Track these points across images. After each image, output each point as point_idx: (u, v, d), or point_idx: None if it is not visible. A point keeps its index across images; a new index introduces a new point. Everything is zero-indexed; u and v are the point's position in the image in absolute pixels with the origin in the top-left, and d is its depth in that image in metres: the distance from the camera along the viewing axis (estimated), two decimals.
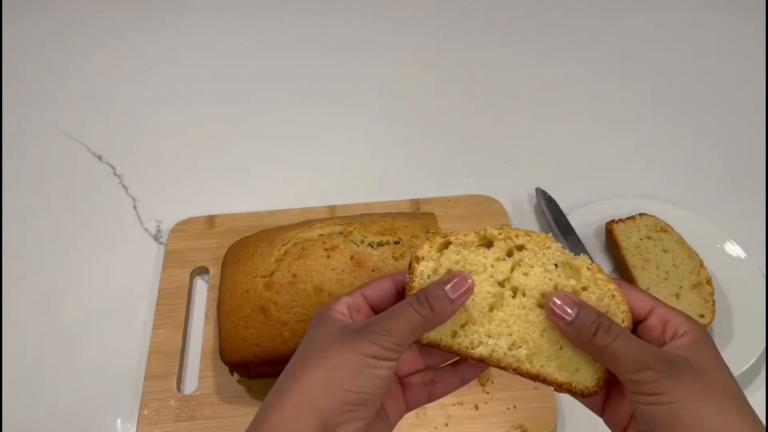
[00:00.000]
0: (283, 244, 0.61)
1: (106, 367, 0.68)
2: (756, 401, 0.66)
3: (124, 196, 0.85)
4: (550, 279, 0.42)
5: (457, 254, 0.42)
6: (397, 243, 0.60)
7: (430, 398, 0.45)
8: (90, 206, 0.84)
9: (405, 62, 1.06)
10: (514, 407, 0.63)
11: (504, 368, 0.42)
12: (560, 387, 0.41)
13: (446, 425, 0.62)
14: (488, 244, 0.43)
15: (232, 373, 0.64)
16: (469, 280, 0.41)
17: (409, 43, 1.09)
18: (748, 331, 0.67)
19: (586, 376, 0.41)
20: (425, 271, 0.42)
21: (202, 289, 0.75)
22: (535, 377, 0.42)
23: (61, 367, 0.68)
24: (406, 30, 1.12)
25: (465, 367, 0.45)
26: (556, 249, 0.43)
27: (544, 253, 0.43)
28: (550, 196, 0.81)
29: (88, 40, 1.09)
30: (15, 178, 0.87)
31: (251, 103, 0.99)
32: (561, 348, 0.41)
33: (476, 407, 0.63)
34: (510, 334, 0.42)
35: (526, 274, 0.42)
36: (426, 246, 0.43)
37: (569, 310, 0.39)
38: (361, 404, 0.37)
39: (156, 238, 0.80)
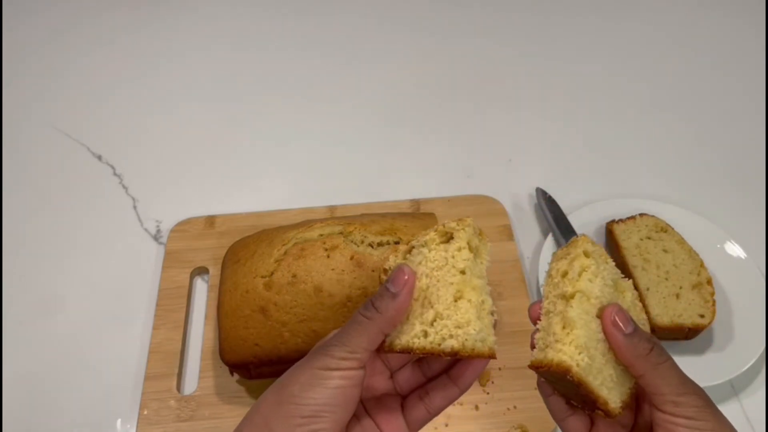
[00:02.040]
0: (283, 244, 0.61)
1: (106, 367, 0.68)
2: (756, 401, 0.66)
3: (124, 196, 0.85)
4: (608, 293, 0.42)
5: (419, 255, 0.43)
6: (397, 243, 0.60)
7: (430, 412, 0.44)
8: (90, 206, 0.84)
9: (405, 62, 1.06)
10: (514, 407, 0.63)
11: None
12: (599, 401, 0.39)
13: (446, 425, 0.62)
14: (449, 238, 0.43)
15: (232, 373, 0.64)
16: (406, 270, 0.41)
17: (409, 43, 1.09)
18: (748, 331, 0.67)
19: (616, 398, 0.40)
20: None
21: (201, 289, 0.74)
22: (579, 383, 0.39)
23: (61, 367, 0.68)
24: (406, 30, 1.12)
25: (459, 371, 0.44)
26: (612, 266, 0.43)
27: (604, 267, 0.43)
28: (550, 196, 0.81)
29: (88, 40, 1.09)
30: (15, 178, 0.87)
31: (251, 103, 0.99)
32: (606, 363, 0.40)
33: (476, 407, 0.63)
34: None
35: (591, 282, 0.42)
36: (391, 257, 0.44)
37: (629, 324, 0.39)
38: (314, 416, 0.38)
39: (156, 238, 0.80)
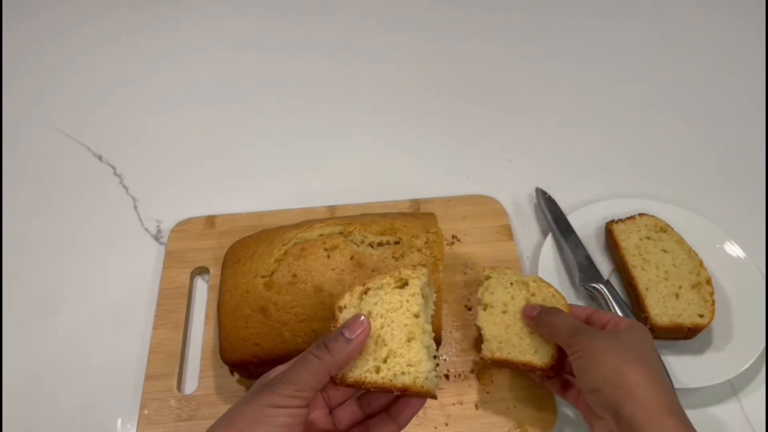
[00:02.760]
0: (283, 244, 0.61)
1: (106, 367, 0.68)
2: (756, 401, 0.66)
3: (124, 196, 0.85)
4: (508, 293, 0.61)
5: (375, 296, 0.48)
6: (397, 243, 0.60)
7: None
8: (90, 206, 0.84)
9: (405, 62, 1.06)
10: (515, 407, 0.63)
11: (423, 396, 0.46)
12: (524, 366, 0.57)
13: (446, 425, 0.62)
14: (404, 284, 0.49)
15: (232, 373, 0.64)
16: (363, 319, 0.45)
17: (409, 44, 1.09)
18: (748, 331, 0.67)
19: (543, 355, 0.57)
20: (347, 317, 0.47)
21: (202, 289, 0.75)
22: (504, 363, 0.58)
23: (61, 367, 0.68)
24: (405, 31, 1.12)
25: (399, 409, 0.47)
26: (511, 273, 0.62)
27: (502, 277, 0.62)
28: (550, 196, 0.81)
29: (88, 40, 1.10)
30: (15, 178, 0.88)
31: (251, 103, 0.99)
32: (521, 338, 0.58)
33: (476, 407, 0.63)
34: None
35: (492, 293, 0.61)
36: (347, 296, 0.49)
37: (533, 311, 0.57)
38: None
39: (156, 238, 0.80)
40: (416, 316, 0.47)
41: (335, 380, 0.45)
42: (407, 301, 0.48)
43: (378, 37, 1.10)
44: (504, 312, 0.60)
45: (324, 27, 1.12)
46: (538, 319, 0.56)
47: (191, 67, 1.05)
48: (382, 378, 0.45)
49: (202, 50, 1.08)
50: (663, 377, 0.48)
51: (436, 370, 0.47)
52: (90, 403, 0.66)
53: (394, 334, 0.47)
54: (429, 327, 0.48)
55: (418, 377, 0.45)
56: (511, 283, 0.61)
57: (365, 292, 0.49)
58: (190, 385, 0.66)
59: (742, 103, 0.98)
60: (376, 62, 1.06)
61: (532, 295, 0.60)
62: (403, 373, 0.45)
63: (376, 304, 0.48)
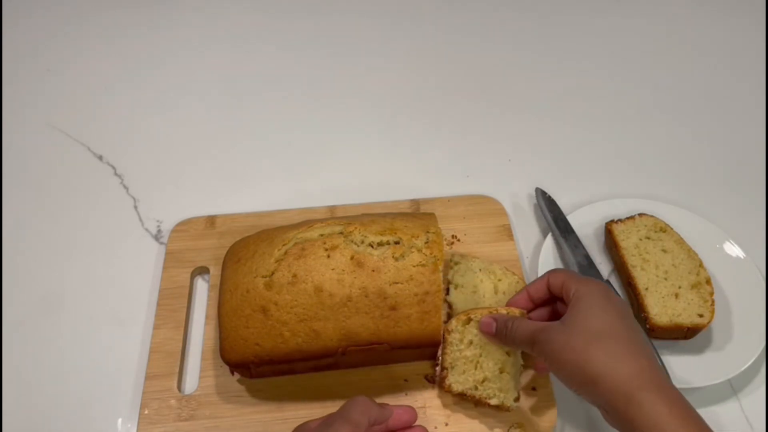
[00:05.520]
0: (284, 244, 0.61)
1: (106, 367, 0.68)
2: (756, 401, 0.66)
3: (124, 197, 0.85)
4: (477, 276, 0.70)
5: (476, 328, 0.60)
6: (397, 243, 0.60)
7: None
8: (90, 206, 0.84)
9: (405, 63, 1.06)
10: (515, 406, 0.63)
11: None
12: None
13: (446, 424, 0.62)
14: None
15: (232, 372, 0.64)
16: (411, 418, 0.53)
17: (408, 44, 1.09)
18: (748, 330, 0.67)
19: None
20: (453, 341, 0.60)
21: (202, 289, 0.75)
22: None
23: (61, 367, 0.68)
24: (406, 30, 1.12)
25: None
26: (479, 261, 0.71)
27: (471, 264, 0.71)
28: (549, 196, 0.81)
29: (88, 40, 1.09)
30: (15, 178, 0.88)
31: (252, 103, 0.99)
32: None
33: (476, 405, 0.63)
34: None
35: (462, 276, 0.71)
36: (454, 321, 0.61)
37: (492, 328, 0.58)
38: None
39: (156, 238, 0.80)
40: (508, 354, 0.60)
41: (445, 387, 0.60)
42: None
43: (378, 36, 1.10)
44: (474, 292, 0.68)
45: (324, 27, 1.12)
46: (499, 336, 0.58)
47: (191, 66, 1.05)
48: (479, 395, 0.60)
49: (203, 50, 1.08)
50: (626, 346, 0.48)
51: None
52: (90, 403, 0.66)
53: (489, 365, 0.60)
54: (519, 360, 0.60)
55: (505, 399, 0.60)
56: (480, 269, 0.70)
57: (468, 321, 0.60)
58: (191, 384, 0.67)
59: (742, 103, 0.98)
60: (377, 62, 1.06)
61: (499, 280, 0.69)
62: (495, 396, 0.60)
63: (476, 335, 0.60)
